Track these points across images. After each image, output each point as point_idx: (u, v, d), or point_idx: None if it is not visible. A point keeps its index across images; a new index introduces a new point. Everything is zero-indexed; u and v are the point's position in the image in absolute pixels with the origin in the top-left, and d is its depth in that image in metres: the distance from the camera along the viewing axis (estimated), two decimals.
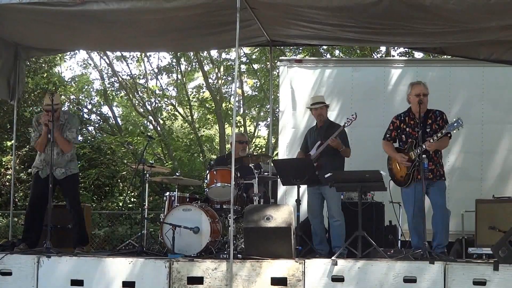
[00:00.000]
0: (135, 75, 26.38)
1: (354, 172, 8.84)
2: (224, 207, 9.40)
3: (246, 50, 23.76)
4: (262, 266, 7.66)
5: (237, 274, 7.64)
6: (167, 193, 9.97)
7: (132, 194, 18.86)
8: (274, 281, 7.60)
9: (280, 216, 8.09)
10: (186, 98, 26.46)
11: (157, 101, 26.59)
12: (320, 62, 12.80)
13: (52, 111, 8.92)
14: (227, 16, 8.52)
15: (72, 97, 25.76)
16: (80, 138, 9.55)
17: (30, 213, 9.37)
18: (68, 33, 9.66)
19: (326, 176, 8.86)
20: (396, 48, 19.97)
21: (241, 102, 25.78)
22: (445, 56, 11.96)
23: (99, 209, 18.03)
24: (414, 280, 7.36)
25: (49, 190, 8.71)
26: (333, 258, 7.75)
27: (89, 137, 22.87)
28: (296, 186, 9.25)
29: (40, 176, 9.27)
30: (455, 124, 8.27)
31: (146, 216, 9.88)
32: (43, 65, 21.24)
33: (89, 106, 26.70)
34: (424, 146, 8.30)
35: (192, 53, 24.46)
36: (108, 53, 24.57)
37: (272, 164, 10.28)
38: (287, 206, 8.43)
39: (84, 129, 23.83)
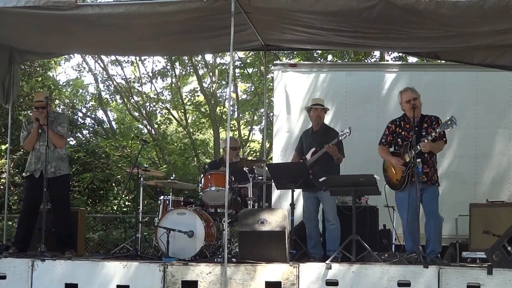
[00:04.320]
0: (129, 79, 26.38)
1: (348, 176, 8.85)
2: (219, 211, 9.40)
3: (241, 54, 23.80)
4: (257, 270, 7.67)
5: (232, 278, 7.65)
6: (162, 197, 9.96)
7: (127, 198, 18.83)
8: (268, 285, 7.60)
9: (274, 220, 8.10)
10: (181, 102, 26.46)
11: (151, 105, 26.60)
12: (314, 67, 12.83)
13: (46, 106, 9.05)
14: (221, 20, 8.53)
15: (66, 101, 25.75)
16: (70, 135, 9.66)
17: (25, 217, 9.36)
18: (63, 37, 9.66)
19: (320, 180, 8.87)
20: (390, 52, 20.00)
21: (236, 106, 25.79)
22: (439, 61, 11.99)
23: (94, 212, 17.98)
24: (408, 284, 7.38)
25: (44, 193, 8.72)
26: (327, 262, 7.77)
27: (84, 141, 22.83)
28: (290, 190, 9.25)
29: (34, 177, 9.27)
30: (449, 122, 8.30)
31: (140, 220, 9.87)
32: (38, 68, 21.20)
33: (84, 110, 26.71)
34: (418, 147, 8.34)
35: (186, 57, 24.46)
36: (103, 57, 24.55)
37: (267, 168, 10.28)
38: (282, 210, 8.45)
39: (78, 133, 23.80)
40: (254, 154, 25.24)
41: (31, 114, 9.53)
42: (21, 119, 18.65)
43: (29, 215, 9.28)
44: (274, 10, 8.36)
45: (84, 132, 24.78)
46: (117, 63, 25.49)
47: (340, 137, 9.43)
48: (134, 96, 26.32)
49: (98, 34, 9.55)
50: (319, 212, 9.60)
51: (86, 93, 27.63)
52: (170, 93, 27.44)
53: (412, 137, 8.51)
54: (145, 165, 10.31)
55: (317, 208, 9.53)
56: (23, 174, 9.68)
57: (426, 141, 8.39)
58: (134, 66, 26.38)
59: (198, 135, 28.47)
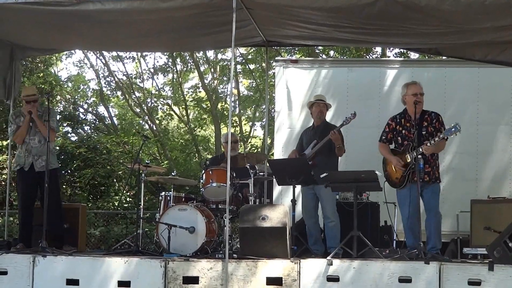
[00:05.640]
0: (131, 75, 26.39)
1: (349, 172, 8.84)
2: (220, 207, 9.39)
3: (242, 50, 23.78)
4: (258, 266, 7.67)
5: (233, 274, 7.65)
6: (163, 193, 9.97)
7: (128, 193, 18.85)
8: (270, 281, 7.60)
9: (275, 216, 8.09)
10: (182, 98, 26.47)
11: (153, 101, 26.62)
12: (315, 63, 12.79)
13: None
14: (223, 16, 8.52)
15: (68, 96, 25.76)
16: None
17: (22, 212, 9.38)
18: (64, 33, 9.66)
19: (321, 176, 8.87)
20: (391, 48, 20.00)
21: (237, 102, 25.80)
22: (441, 57, 11.98)
23: (95, 208, 18.00)
24: (409, 280, 7.37)
25: (45, 189, 8.73)
26: (328, 258, 7.76)
27: (85, 137, 22.85)
28: (291, 186, 9.26)
29: (24, 170, 9.30)
30: (453, 129, 8.27)
31: (141, 216, 9.88)
32: (39, 64, 21.21)
33: (85, 106, 26.72)
34: (421, 150, 8.32)
35: (187, 53, 24.46)
36: (104, 53, 24.56)
37: (268, 164, 10.28)
38: (283, 206, 8.43)
39: (79, 129, 23.83)
40: (256, 150, 25.26)
41: (16, 110, 9.59)
42: None
43: (26, 210, 9.30)
44: (276, 6, 8.36)
45: (86, 128, 24.83)
46: (118, 59, 25.52)
47: (345, 122, 9.44)
48: (136, 92, 26.33)
49: (100, 30, 9.54)
50: (319, 208, 9.60)
51: (88, 89, 27.67)
52: (171, 89, 27.46)
53: (412, 135, 8.51)
54: (146, 161, 10.29)
55: (316, 204, 9.52)
56: (12, 168, 9.66)
57: (428, 144, 8.37)
58: (136, 63, 26.40)
59: (199, 131, 28.49)
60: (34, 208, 9.40)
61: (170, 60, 25.84)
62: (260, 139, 27.52)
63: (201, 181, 9.63)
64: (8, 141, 12.96)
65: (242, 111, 27.05)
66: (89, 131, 24.74)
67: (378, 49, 21.35)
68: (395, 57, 20.03)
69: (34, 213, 9.21)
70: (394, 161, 8.67)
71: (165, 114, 27.01)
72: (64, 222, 9.63)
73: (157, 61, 26.42)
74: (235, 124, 25.72)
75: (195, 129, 27.78)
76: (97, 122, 26.05)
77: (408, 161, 8.52)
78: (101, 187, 19.50)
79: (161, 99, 26.97)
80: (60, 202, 9.75)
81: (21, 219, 9.43)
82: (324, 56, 21.99)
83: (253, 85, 26.14)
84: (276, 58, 13.23)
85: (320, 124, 9.72)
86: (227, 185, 8.24)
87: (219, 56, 25.71)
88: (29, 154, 9.29)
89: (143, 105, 26.09)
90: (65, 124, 22.60)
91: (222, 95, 26.56)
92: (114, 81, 26.03)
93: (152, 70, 26.49)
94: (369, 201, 10.16)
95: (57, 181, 9.76)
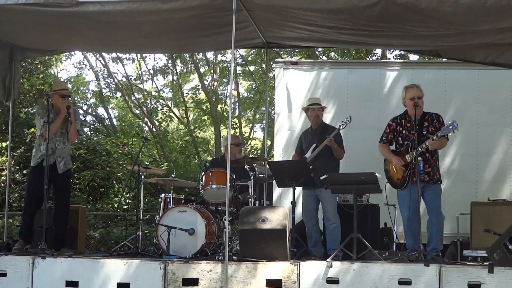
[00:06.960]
0: (130, 76, 26.37)
1: (349, 174, 8.85)
2: (220, 208, 9.37)
3: (242, 52, 23.77)
4: (257, 268, 7.66)
5: (232, 276, 7.64)
6: (162, 195, 9.94)
7: (127, 195, 18.81)
8: (269, 283, 7.60)
9: (275, 218, 8.09)
10: (182, 100, 26.45)
11: (152, 102, 26.59)
12: (315, 64, 12.79)
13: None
14: (223, 17, 8.52)
15: None
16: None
17: (30, 206, 9.27)
18: (64, 34, 9.66)
19: (321, 178, 8.86)
20: (391, 50, 19.98)
21: (237, 104, 25.78)
22: (441, 59, 11.97)
23: (94, 210, 17.97)
24: (409, 283, 7.37)
25: (44, 190, 8.70)
26: (328, 260, 7.75)
27: (85, 138, 22.81)
28: (291, 188, 9.25)
29: (43, 166, 9.16)
30: (450, 127, 8.30)
31: (141, 218, 9.86)
32: (39, 66, 21.18)
33: (85, 107, 26.70)
34: (420, 149, 8.32)
35: (187, 55, 24.43)
36: (104, 54, 24.53)
37: (268, 166, 10.27)
38: (283, 208, 8.43)
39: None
40: (256, 152, 25.24)
41: (44, 104, 9.44)
42: (22, 117, 18.68)
43: (35, 206, 9.20)
44: (275, 8, 8.35)
45: (85, 129, 24.79)
46: (118, 61, 25.49)
47: (341, 126, 9.45)
48: (135, 94, 26.32)
49: (100, 31, 9.54)
50: (319, 210, 9.59)
51: (87, 91, 27.64)
52: (171, 91, 27.44)
53: (412, 136, 8.51)
54: (146, 163, 10.27)
55: (316, 206, 9.52)
56: (31, 163, 9.49)
57: (434, 138, 8.35)
58: (136, 65, 26.38)
59: (199, 133, 28.46)
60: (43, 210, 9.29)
61: (170, 61, 25.82)
62: (260, 141, 27.49)
63: (201, 182, 9.61)
64: (8, 142, 12.94)
65: (242, 113, 27.02)
66: (89, 132, 24.69)
67: (378, 51, 21.32)
68: (395, 59, 20.00)
69: (46, 215, 9.06)
70: (394, 160, 8.68)
71: (164, 115, 26.97)
72: (67, 225, 9.61)
73: (157, 63, 26.36)
74: (235, 126, 25.69)
75: (195, 130, 27.76)
76: (97, 124, 26.01)
77: (408, 161, 8.52)
78: (101, 189, 19.47)
79: (161, 101, 26.93)
80: (69, 205, 9.71)
81: (28, 213, 9.30)
82: (324, 58, 21.96)
83: (253, 87, 26.10)
84: (276, 59, 13.26)
85: (318, 127, 9.71)
86: (227, 187, 8.23)
87: (219, 57, 25.68)
88: (53, 153, 9.20)
89: (143, 107, 26.07)
90: None
91: (222, 96, 26.53)
92: (113, 83, 26.01)
93: (152, 71, 26.47)
94: (369, 203, 10.14)
95: (71, 182, 9.73)
